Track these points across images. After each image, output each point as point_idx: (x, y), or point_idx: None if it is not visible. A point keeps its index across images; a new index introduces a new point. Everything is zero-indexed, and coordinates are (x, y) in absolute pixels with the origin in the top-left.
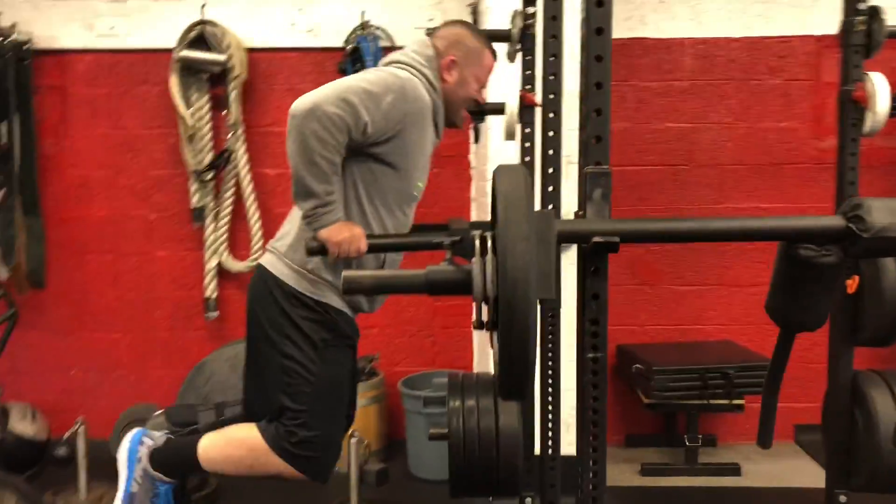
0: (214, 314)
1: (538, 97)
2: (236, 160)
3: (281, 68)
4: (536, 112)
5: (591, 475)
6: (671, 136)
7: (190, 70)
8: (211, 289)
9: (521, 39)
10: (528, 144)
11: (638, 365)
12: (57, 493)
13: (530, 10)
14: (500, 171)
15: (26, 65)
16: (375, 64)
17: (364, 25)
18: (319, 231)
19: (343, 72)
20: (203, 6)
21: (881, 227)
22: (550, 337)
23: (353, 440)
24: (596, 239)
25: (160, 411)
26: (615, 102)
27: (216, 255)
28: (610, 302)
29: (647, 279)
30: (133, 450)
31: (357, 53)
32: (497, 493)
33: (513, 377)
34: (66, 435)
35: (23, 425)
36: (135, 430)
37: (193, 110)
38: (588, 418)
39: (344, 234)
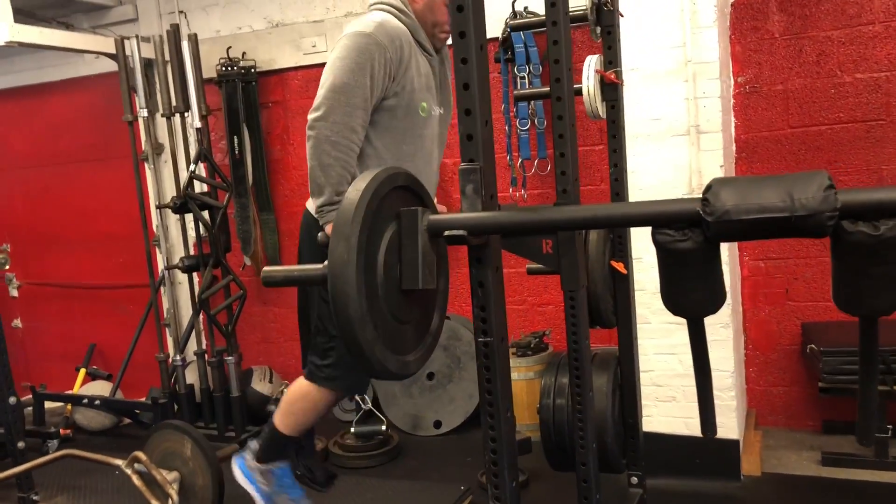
0: None
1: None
2: None
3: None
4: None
5: (491, 452)
6: (861, 89)
7: None
8: None
9: (598, 19)
10: (614, 121)
11: (812, 345)
12: None
13: None
14: (358, 177)
15: (252, 86)
16: (526, 51)
17: (516, 14)
18: (326, 226)
19: (497, 61)
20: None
21: (725, 210)
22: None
23: None
24: (446, 233)
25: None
26: (791, 57)
27: None
28: (797, 276)
29: None
30: (242, 467)
31: (508, 42)
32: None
33: (355, 358)
34: (275, 395)
35: (261, 385)
36: (235, 458)
37: None
38: (484, 399)
39: None
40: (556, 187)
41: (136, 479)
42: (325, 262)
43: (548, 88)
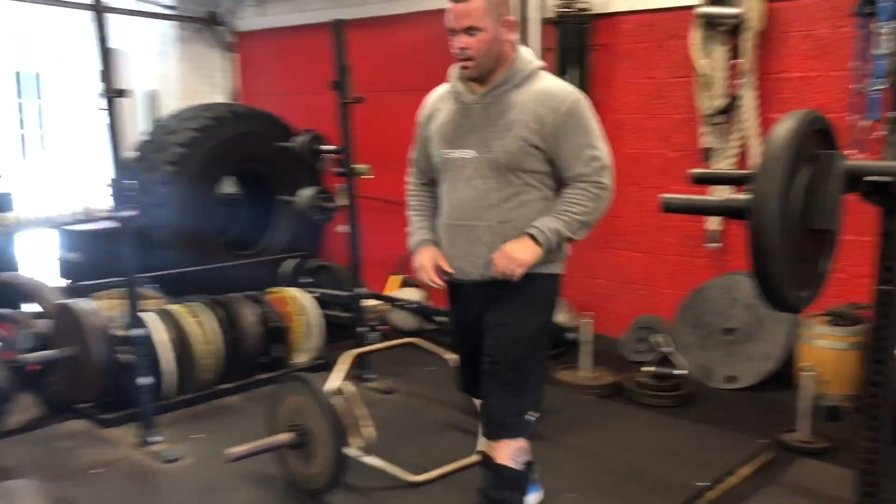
0: (716, 245)
1: None
2: (744, 105)
3: (799, 16)
4: None
5: (870, 397)
6: None
7: (710, 24)
8: (715, 222)
9: None
10: None
11: None
12: (566, 369)
13: None
14: (784, 117)
15: (585, 28)
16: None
17: None
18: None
19: (857, 14)
20: None
21: None
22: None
23: (806, 374)
24: (869, 178)
25: None
26: None
27: (720, 193)
28: None
29: None
30: None
31: None
32: None
33: (760, 285)
34: (576, 324)
35: (559, 315)
36: None
37: (710, 60)
38: (874, 345)
39: (414, 263)
40: None
41: None
42: (730, 197)
43: None
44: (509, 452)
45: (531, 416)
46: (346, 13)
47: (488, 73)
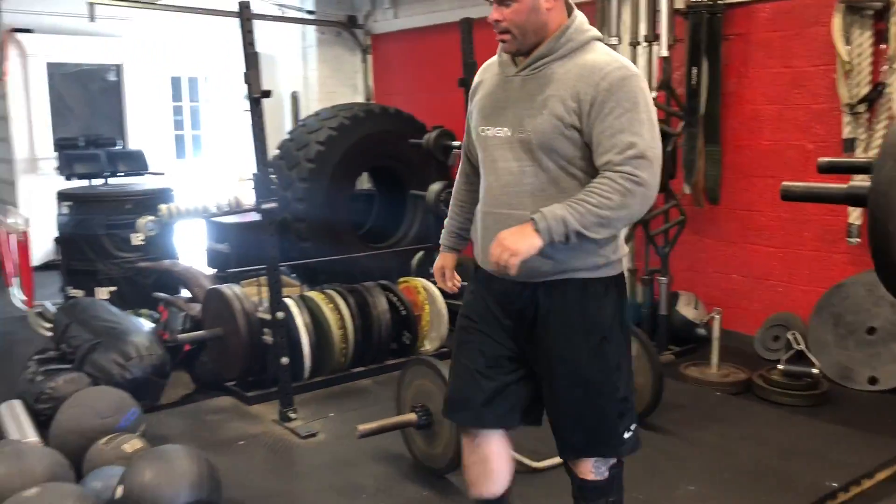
0: (856, 240)
1: None
2: (890, 93)
3: None
4: None
5: None
6: None
7: (853, 9)
8: (855, 216)
9: None
10: None
11: None
12: (696, 365)
13: None
14: None
15: (717, 17)
16: None
17: None
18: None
19: None
20: None
21: None
22: None
23: None
24: None
25: None
26: None
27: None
28: None
29: None
30: None
31: None
32: None
33: (880, 273)
34: (705, 320)
35: (686, 310)
36: None
37: (853, 46)
38: None
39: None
40: None
41: None
42: (852, 184)
43: None
44: (591, 466)
45: (627, 432)
46: (474, 12)
47: (532, 46)
